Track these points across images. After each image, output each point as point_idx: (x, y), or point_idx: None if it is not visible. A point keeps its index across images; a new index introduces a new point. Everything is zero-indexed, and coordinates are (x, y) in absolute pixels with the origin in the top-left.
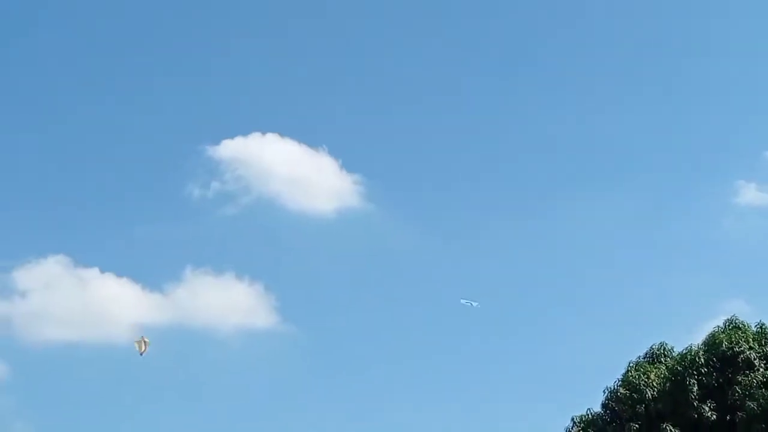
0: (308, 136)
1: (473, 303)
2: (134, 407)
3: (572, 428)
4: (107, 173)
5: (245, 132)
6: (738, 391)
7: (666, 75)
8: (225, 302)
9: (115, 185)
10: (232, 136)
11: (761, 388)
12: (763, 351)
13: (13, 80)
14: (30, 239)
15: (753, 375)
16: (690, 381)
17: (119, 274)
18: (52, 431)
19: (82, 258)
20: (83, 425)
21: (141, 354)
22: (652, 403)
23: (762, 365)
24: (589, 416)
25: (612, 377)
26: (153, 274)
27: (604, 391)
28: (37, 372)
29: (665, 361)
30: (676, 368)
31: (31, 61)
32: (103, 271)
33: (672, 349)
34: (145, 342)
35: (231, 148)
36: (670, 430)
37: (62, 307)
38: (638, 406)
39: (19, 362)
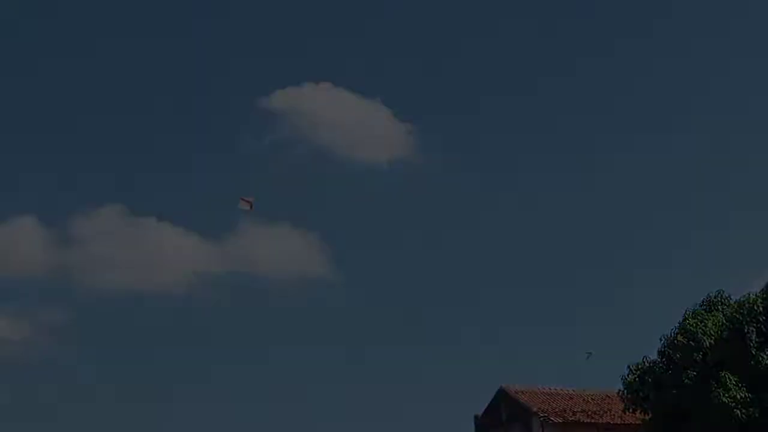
0: (362, 86)
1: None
2: (190, 353)
3: (628, 376)
4: (163, 125)
5: (298, 82)
6: None
7: (728, 21)
8: (280, 251)
9: (171, 137)
10: (284, 87)
11: None
12: None
13: (70, 36)
14: (87, 188)
15: None
16: (748, 329)
17: (175, 224)
18: (112, 377)
19: (138, 207)
20: (142, 371)
21: (241, 207)
22: (710, 351)
23: None
24: (646, 364)
25: (668, 325)
26: (209, 224)
27: (660, 339)
28: (95, 318)
29: (722, 309)
30: (734, 316)
31: (89, 18)
32: (159, 220)
33: (729, 297)
34: (250, 204)
35: (285, 99)
36: (728, 377)
37: (120, 256)
38: (695, 354)
39: (78, 309)
